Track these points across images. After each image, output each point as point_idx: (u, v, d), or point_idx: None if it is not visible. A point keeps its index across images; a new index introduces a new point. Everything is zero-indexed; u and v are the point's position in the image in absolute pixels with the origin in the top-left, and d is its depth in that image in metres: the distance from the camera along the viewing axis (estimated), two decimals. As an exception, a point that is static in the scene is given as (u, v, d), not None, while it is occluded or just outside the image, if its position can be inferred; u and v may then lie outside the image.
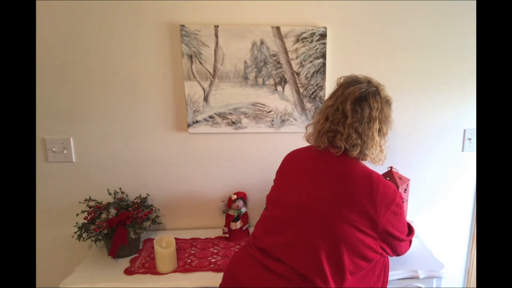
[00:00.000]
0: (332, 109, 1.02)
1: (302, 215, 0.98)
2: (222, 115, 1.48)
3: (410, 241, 1.12)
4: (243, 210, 1.53)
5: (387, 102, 1.06)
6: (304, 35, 1.43)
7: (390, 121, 1.07)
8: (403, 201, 1.18)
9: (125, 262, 1.33)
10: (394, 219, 0.97)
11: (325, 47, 1.45)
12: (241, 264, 1.04)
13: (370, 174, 0.99)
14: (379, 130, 1.02)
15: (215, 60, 1.43)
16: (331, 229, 0.94)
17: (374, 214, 0.94)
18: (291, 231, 0.98)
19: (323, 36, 1.44)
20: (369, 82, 1.05)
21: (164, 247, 1.27)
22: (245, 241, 1.36)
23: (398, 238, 1.00)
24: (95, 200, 1.44)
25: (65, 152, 1.47)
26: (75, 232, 1.35)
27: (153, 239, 1.36)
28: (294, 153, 1.18)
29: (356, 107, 0.99)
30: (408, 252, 1.41)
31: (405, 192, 1.46)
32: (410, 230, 1.11)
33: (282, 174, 1.15)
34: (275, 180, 1.17)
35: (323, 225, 0.95)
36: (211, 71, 1.43)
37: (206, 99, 1.46)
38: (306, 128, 1.14)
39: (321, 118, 1.06)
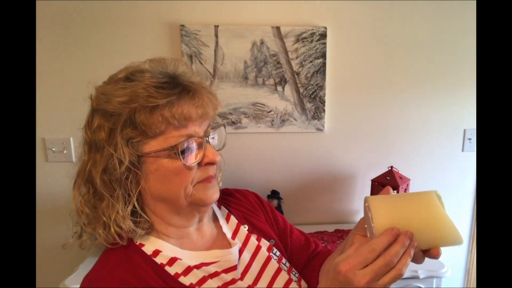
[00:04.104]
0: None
1: None
2: (222, 115, 1.48)
3: None
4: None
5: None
6: (304, 35, 1.43)
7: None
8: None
9: (125, 262, 1.33)
10: None
11: (325, 47, 1.45)
12: None
13: None
14: None
15: (215, 60, 1.43)
16: None
17: None
18: None
19: (323, 36, 1.44)
20: None
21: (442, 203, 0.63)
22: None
23: None
24: (95, 200, 1.43)
25: (65, 152, 1.47)
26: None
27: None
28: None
29: None
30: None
31: (405, 192, 1.46)
32: None
33: None
34: None
35: None
36: (211, 71, 1.43)
37: (206, 99, 1.46)
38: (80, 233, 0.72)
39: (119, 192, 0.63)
